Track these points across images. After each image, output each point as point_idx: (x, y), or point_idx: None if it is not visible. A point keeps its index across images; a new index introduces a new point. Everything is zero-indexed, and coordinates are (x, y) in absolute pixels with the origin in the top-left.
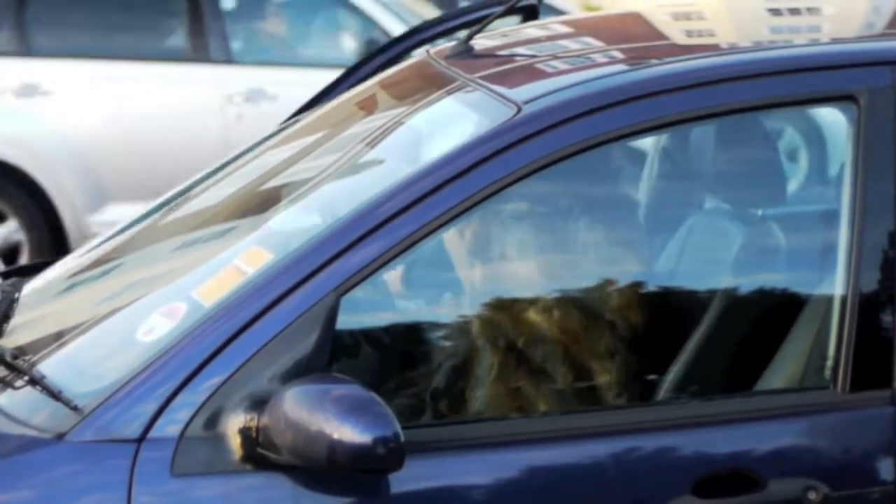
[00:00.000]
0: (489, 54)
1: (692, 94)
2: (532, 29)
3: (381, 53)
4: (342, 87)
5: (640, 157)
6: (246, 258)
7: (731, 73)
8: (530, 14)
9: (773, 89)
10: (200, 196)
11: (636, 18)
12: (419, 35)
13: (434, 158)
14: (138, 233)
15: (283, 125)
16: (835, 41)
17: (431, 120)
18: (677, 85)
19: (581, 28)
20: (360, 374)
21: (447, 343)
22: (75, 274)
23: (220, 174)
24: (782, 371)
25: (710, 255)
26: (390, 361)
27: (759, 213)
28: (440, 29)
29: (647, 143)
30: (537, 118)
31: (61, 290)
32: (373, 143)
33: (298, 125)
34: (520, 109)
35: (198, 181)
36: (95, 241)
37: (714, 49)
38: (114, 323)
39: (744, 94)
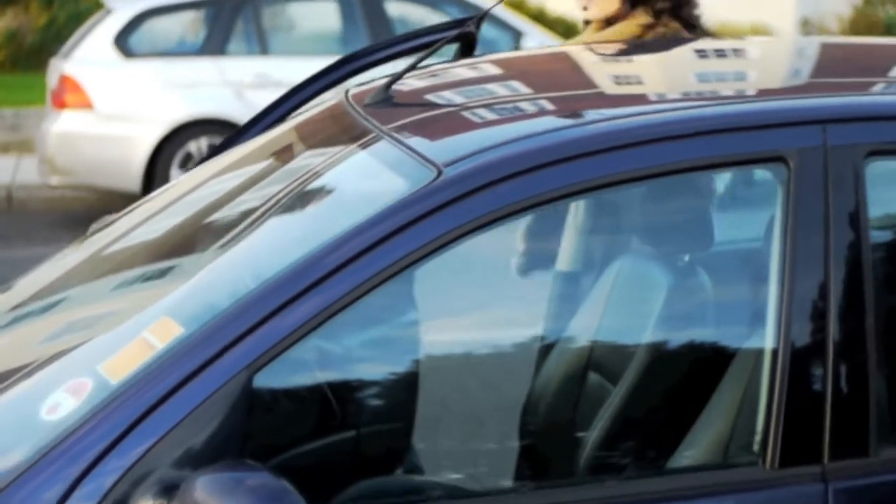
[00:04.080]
0: (411, 102)
1: (619, 157)
2: (460, 69)
3: (311, 83)
4: (270, 117)
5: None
6: (155, 330)
7: (658, 133)
8: (467, 45)
9: (702, 150)
10: (116, 239)
11: (565, 61)
12: (351, 65)
13: (348, 228)
14: (55, 279)
15: (203, 163)
16: (764, 95)
17: (348, 179)
18: (604, 146)
19: (509, 70)
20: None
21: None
22: None
23: (139, 216)
24: (705, 442)
25: (631, 314)
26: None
27: (684, 275)
28: (373, 59)
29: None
30: (458, 183)
31: None
32: (285, 204)
33: (212, 170)
34: (440, 172)
35: (121, 218)
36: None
37: (642, 102)
38: (18, 396)
39: (672, 156)
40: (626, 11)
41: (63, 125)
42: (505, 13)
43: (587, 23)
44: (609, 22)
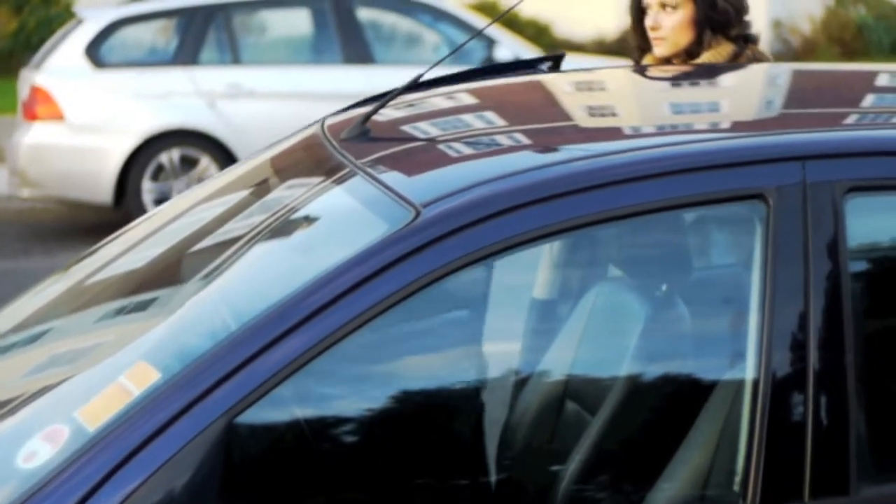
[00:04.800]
0: (388, 136)
1: (598, 196)
2: (440, 99)
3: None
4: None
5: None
6: (132, 376)
7: (637, 172)
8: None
9: (681, 188)
10: (94, 272)
11: (542, 90)
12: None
13: (327, 269)
14: (33, 312)
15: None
16: (741, 130)
17: (326, 218)
18: (583, 185)
19: (489, 101)
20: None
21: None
22: None
23: (117, 247)
24: (684, 476)
25: (609, 345)
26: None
27: (662, 307)
28: None
29: None
30: (437, 224)
31: None
32: (262, 241)
33: (191, 200)
34: (418, 213)
35: (101, 248)
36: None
37: (619, 137)
38: None
39: (650, 195)
40: (707, 41)
41: (34, 137)
42: (472, 17)
43: (643, 51)
44: (690, 54)
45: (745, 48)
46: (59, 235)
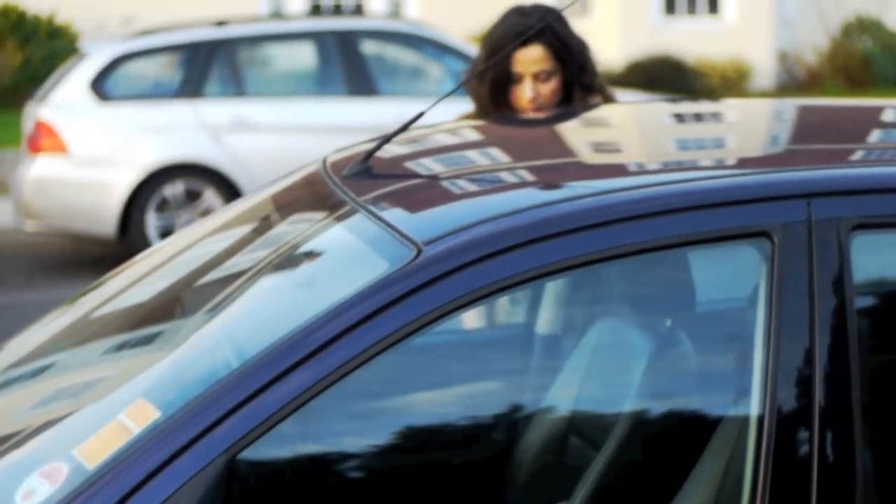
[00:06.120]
0: (390, 172)
1: (601, 234)
2: (442, 135)
3: None
4: None
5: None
6: (131, 413)
7: (640, 210)
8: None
9: (685, 226)
10: (98, 306)
11: (545, 127)
12: None
13: (328, 307)
14: (36, 346)
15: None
16: (746, 167)
17: (327, 256)
18: (586, 224)
19: (491, 137)
20: None
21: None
22: None
23: (121, 282)
24: None
25: (613, 383)
26: None
27: (666, 344)
28: None
29: None
30: (438, 262)
31: None
32: (263, 277)
33: (195, 234)
34: (420, 252)
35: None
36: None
37: (623, 173)
38: None
39: (654, 233)
40: (577, 98)
41: (39, 170)
42: (468, 46)
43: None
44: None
45: (607, 96)
46: (63, 268)
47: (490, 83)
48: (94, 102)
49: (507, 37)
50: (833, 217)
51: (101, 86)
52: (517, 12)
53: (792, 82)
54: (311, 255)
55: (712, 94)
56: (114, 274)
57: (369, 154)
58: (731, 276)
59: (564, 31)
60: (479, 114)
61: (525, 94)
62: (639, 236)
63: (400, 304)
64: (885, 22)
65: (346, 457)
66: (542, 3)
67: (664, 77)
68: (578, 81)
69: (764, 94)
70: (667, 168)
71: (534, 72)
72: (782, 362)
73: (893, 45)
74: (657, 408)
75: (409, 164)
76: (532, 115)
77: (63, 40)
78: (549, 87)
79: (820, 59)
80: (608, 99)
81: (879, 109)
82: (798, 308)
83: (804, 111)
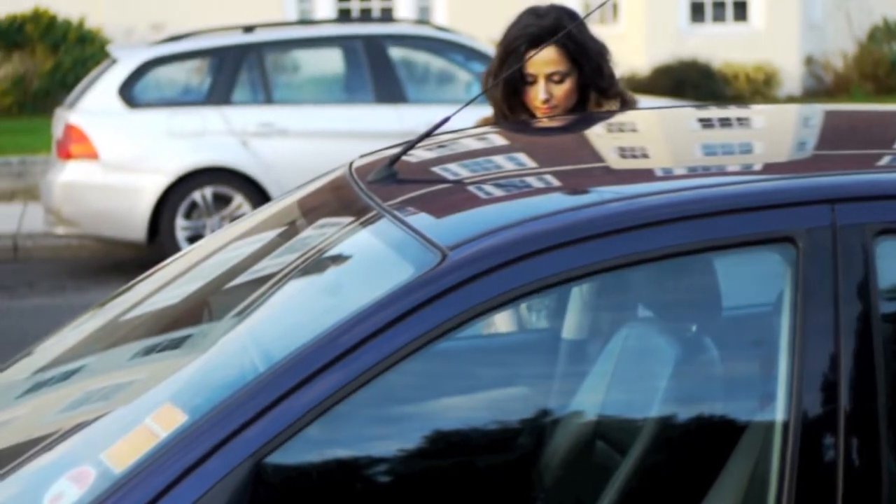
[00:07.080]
0: (415, 178)
1: (626, 239)
2: (469, 140)
3: None
4: None
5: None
6: (158, 418)
7: (666, 215)
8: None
9: (710, 231)
10: (128, 309)
11: (571, 131)
12: None
13: (354, 312)
14: (65, 350)
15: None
16: (771, 172)
17: (353, 261)
18: (611, 229)
19: (517, 142)
20: None
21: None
22: None
23: (149, 286)
24: None
25: (639, 388)
26: None
27: (693, 350)
28: None
29: None
30: (463, 267)
31: None
32: (289, 282)
33: (223, 240)
34: (445, 256)
35: (131, 288)
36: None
37: (648, 179)
38: (20, 483)
39: (679, 238)
40: (592, 102)
41: (68, 175)
42: (488, 48)
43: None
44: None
45: (627, 102)
46: (93, 273)
47: (504, 84)
48: (124, 108)
49: (521, 38)
50: (858, 222)
51: (130, 91)
52: (532, 13)
53: (819, 87)
54: (337, 259)
55: (739, 99)
56: (142, 278)
57: (395, 159)
58: (756, 281)
59: (581, 33)
60: (497, 116)
61: (538, 95)
62: (664, 241)
63: (425, 309)
64: None
65: (372, 461)
66: (558, 4)
67: (690, 82)
68: (594, 84)
69: (791, 100)
70: (692, 173)
71: (547, 73)
72: (807, 367)
73: None
74: (683, 413)
75: (435, 169)
76: (558, 120)
77: (93, 46)
78: (563, 89)
79: (847, 65)
80: (628, 104)
81: None
82: (823, 313)
83: (830, 116)
